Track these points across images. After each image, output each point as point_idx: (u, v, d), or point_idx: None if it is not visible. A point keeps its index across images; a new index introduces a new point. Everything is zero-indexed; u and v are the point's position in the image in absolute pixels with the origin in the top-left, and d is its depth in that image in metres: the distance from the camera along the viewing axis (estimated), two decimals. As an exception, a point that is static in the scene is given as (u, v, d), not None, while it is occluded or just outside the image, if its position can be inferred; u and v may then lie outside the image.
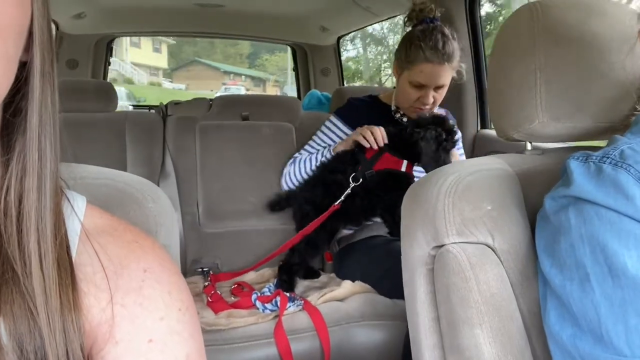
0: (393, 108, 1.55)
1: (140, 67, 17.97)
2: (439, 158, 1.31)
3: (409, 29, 1.43)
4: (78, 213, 0.42)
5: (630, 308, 0.47)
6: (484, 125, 1.93)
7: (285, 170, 1.56)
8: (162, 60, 19.18)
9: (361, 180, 1.34)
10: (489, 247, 0.67)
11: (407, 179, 1.33)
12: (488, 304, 0.63)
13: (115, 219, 0.45)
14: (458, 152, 1.57)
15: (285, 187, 1.57)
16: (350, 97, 1.63)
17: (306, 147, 1.58)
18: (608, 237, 0.50)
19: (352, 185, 1.34)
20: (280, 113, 1.73)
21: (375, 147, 1.33)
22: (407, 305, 0.77)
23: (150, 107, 3.08)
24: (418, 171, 1.41)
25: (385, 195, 1.33)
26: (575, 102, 0.73)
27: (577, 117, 0.74)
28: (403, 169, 1.34)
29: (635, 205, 0.49)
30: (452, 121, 1.45)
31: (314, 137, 1.59)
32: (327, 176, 1.40)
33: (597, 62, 0.72)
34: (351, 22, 2.81)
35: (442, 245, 0.68)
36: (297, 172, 1.52)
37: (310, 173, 1.49)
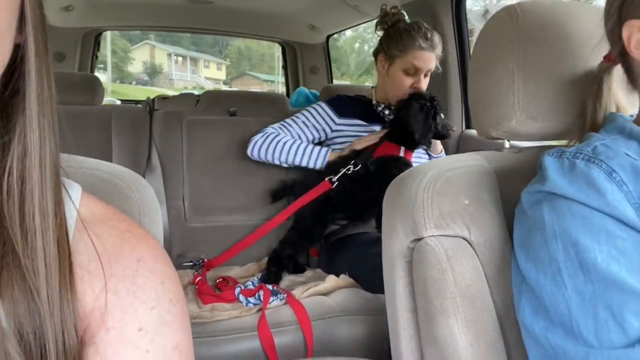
0: (374, 102, 1.61)
1: (209, 79, 28.99)
2: (429, 127, 1.39)
3: (380, 32, 1.56)
4: (74, 200, 0.42)
5: (600, 302, 0.48)
6: (468, 126, 1.96)
7: (260, 141, 1.52)
8: (222, 74, 30.98)
9: (360, 166, 1.39)
10: (465, 240, 0.69)
11: (405, 164, 1.40)
12: (463, 295, 0.65)
13: (110, 207, 0.46)
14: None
15: (255, 157, 1.55)
16: (338, 94, 1.67)
17: (290, 124, 1.56)
18: (580, 233, 0.51)
19: (351, 169, 1.38)
20: (267, 109, 1.74)
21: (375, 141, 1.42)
22: (387, 298, 0.79)
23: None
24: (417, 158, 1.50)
25: (382, 179, 1.37)
26: (551, 101, 0.76)
27: (553, 117, 0.77)
28: (401, 154, 1.41)
29: (607, 201, 0.51)
30: None
31: (300, 117, 1.58)
32: (337, 165, 1.44)
33: (572, 63, 0.75)
34: (340, 21, 2.82)
35: (420, 239, 0.70)
36: (275, 151, 1.50)
37: (288, 162, 1.51)
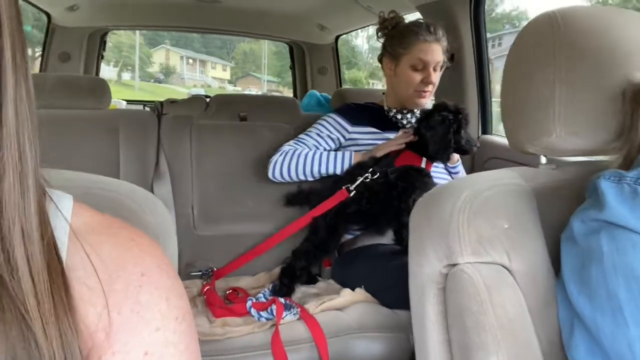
0: (385, 108, 1.56)
1: (216, 79, 33.98)
2: (448, 142, 1.32)
3: (381, 40, 1.54)
4: (64, 212, 0.39)
5: None
6: (485, 131, 1.90)
7: (280, 159, 1.46)
8: (227, 74, 35.44)
9: (379, 174, 1.34)
10: (505, 268, 0.63)
11: (427, 176, 1.35)
12: (504, 330, 0.59)
13: (107, 216, 0.42)
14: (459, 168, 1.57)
15: (278, 178, 1.49)
16: (347, 102, 1.62)
17: (304, 138, 1.52)
18: None
19: (369, 177, 1.34)
20: (279, 114, 1.69)
21: (411, 138, 1.37)
22: (415, 324, 0.74)
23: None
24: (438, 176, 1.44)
25: (402, 190, 1.33)
26: (594, 116, 0.70)
27: (596, 132, 0.71)
28: (423, 165, 1.36)
29: None
30: None
31: (313, 130, 1.54)
32: (355, 172, 1.39)
33: (617, 74, 0.69)
34: (351, 22, 2.77)
35: (455, 265, 0.65)
36: (298, 166, 1.45)
37: (313, 174, 1.45)
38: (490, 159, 1.82)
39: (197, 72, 33.81)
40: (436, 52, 1.43)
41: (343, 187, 1.37)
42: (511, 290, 0.61)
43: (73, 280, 0.36)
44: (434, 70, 1.45)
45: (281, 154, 1.47)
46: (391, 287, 1.23)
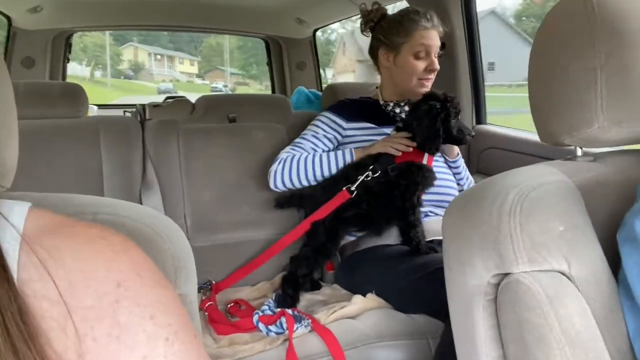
0: (382, 102, 1.51)
1: (184, 73, 34.93)
2: (437, 132, 1.28)
3: (368, 35, 1.50)
4: (14, 219, 0.33)
5: None
6: (479, 121, 1.86)
7: (279, 168, 1.39)
8: (195, 69, 36.20)
9: (380, 173, 1.28)
10: (564, 275, 0.58)
11: (428, 171, 1.31)
12: (573, 344, 0.54)
13: (74, 219, 0.35)
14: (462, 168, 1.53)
15: (280, 188, 1.42)
16: (340, 99, 1.56)
17: (300, 142, 1.45)
18: None
19: (370, 176, 1.28)
20: (269, 113, 1.60)
21: (408, 150, 1.31)
22: (459, 338, 0.68)
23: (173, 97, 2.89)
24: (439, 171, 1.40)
25: (405, 188, 1.28)
26: (639, 103, 0.65)
27: None
28: (424, 161, 1.31)
29: None
30: None
31: (308, 132, 1.48)
32: (350, 172, 1.32)
33: None
34: (331, 14, 2.69)
35: (507, 274, 0.59)
36: (300, 172, 1.38)
37: (317, 177, 1.38)
38: (486, 149, 1.79)
39: (166, 67, 34.88)
40: (436, 38, 1.41)
41: (344, 188, 1.30)
42: (575, 299, 0.56)
43: (29, 297, 0.30)
44: (435, 56, 1.42)
45: (280, 163, 1.40)
46: (405, 291, 1.18)
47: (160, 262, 0.51)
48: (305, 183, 1.39)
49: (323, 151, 1.44)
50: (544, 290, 0.56)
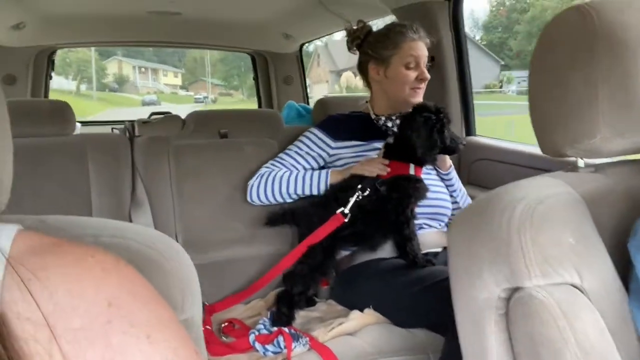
0: (373, 116, 1.50)
1: (168, 85, 36.10)
2: (434, 143, 1.29)
3: (355, 52, 1.52)
4: (1, 241, 0.32)
5: None
6: (469, 132, 1.88)
7: (256, 183, 1.43)
8: (178, 80, 37.23)
9: (369, 190, 1.28)
10: (576, 288, 0.57)
11: (418, 181, 1.30)
12: (589, 357, 0.53)
13: (62, 239, 0.34)
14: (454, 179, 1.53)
15: (256, 202, 1.46)
16: (330, 114, 1.56)
17: (282, 158, 1.47)
18: None
19: (360, 196, 1.27)
20: (260, 128, 1.59)
21: (383, 173, 1.31)
22: (469, 354, 0.67)
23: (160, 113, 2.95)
24: (432, 183, 1.40)
25: (398, 202, 1.27)
26: None
27: None
28: (411, 172, 1.31)
29: None
30: None
31: (292, 148, 1.49)
32: (339, 194, 1.31)
33: None
34: (318, 29, 2.71)
35: (518, 288, 0.59)
36: (274, 188, 1.41)
37: (291, 195, 1.41)
38: (477, 160, 1.80)
39: (150, 79, 36.08)
40: (423, 49, 1.43)
41: (337, 212, 1.29)
42: (589, 312, 0.55)
43: (12, 319, 0.28)
44: (424, 66, 1.44)
45: (257, 177, 1.45)
46: (404, 305, 1.16)
47: (166, 285, 0.48)
48: (279, 199, 1.43)
49: (304, 168, 1.46)
50: (558, 303, 0.55)
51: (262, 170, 1.46)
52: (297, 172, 1.42)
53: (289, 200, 1.44)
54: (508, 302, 0.60)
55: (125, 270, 0.33)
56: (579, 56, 0.67)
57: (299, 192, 1.41)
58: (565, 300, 0.55)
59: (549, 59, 0.73)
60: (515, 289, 0.59)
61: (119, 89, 33.18)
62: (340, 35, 2.74)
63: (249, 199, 1.45)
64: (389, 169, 1.31)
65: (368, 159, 1.39)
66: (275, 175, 1.42)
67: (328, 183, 1.38)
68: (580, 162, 0.75)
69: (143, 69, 35.77)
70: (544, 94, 0.73)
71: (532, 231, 0.58)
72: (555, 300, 0.55)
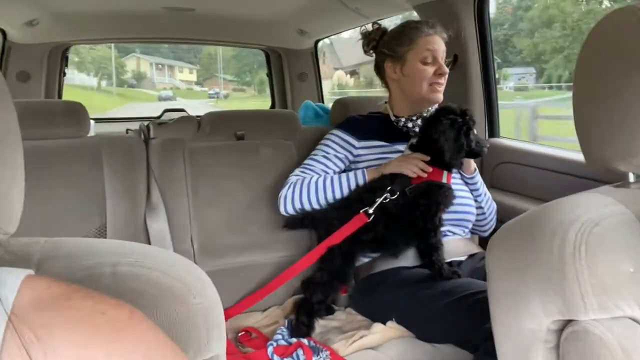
0: (393, 118, 1.45)
1: (184, 81, 37.76)
2: (461, 146, 1.23)
3: (371, 55, 1.48)
4: (4, 291, 0.29)
5: None
6: (492, 134, 1.81)
7: (289, 193, 1.34)
8: (194, 77, 38.66)
9: (398, 194, 1.22)
10: (636, 322, 0.52)
11: (448, 189, 1.25)
12: (655, 403, 0.48)
13: (74, 286, 0.30)
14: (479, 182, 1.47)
15: (291, 212, 1.37)
16: (349, 115, 1.51)
17: (311, 164, 1.40)
18: None
19: (388, 197, 1.22)
20: (277, 129, 1.54)
21: (424, 175, 1.25)
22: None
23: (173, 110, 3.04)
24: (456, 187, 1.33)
25: (426, 208, 1.22)
26: None
27: None
28: (444, 180, 1.26)
29: None
30: None
31: (318, 152, 1.42)
32: (365, 195, 1.26)
33: None
34: (334, 25, 2.65)
35: (571, 321, 0.53)
36: (310, 196, 1.33)
37: (328, 200, 1.33)
38: (500, 163, 1.74)
39: (166, 76, 37.60)
40: (440, 44, 1.38)
41: (361, 212, 1.24)
42: (653, 351, 0.50)
43: None
44: (442, 61, 1.38)
45: (289, 187, 1.35)
46: (430, 319, 1.11)
47: (191, 321, 0.44)
48: (316, 206, 1.34)
49: (334, 172, 1.39)
50: (618, 340, 0.50)
51: (292, 178, 1.37)
52: (331, 176, 1.35)
53: (324, 207, 1.35)
54: (558, 335, 0.55)
55: (140, 328, 0.29)
56: (633, 63, 0.61)
57: (337, 196, 1.33)
58: (626, 337, 0.50)
59: (596, 64, 0.67)
60: (567, 322, 0.54)
61: (137, 85, 34.76)
62: (346, 33, 2.69)
63: (282, 210, 1.36)
64: (430, 169, 1.25)
65: (406, 155, 1.31)
66: (309, 182, 1.34)
67: (366, 179, 1.32)
68: (631, 177, 0.70)
69: (160, 66, 37.06)
70: (592, 104, 0.67)
71: (588, 258, 0.53)
72: (614, 336, 0.50)
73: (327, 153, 1.40)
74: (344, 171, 1.43)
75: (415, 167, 1.25)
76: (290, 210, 1.35)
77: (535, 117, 6.80)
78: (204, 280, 0.48)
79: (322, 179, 1.34)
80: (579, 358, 0.52)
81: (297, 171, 1.38)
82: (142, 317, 0.30)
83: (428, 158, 1.25)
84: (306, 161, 1.41)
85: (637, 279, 0.53)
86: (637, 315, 0.52)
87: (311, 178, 1.35)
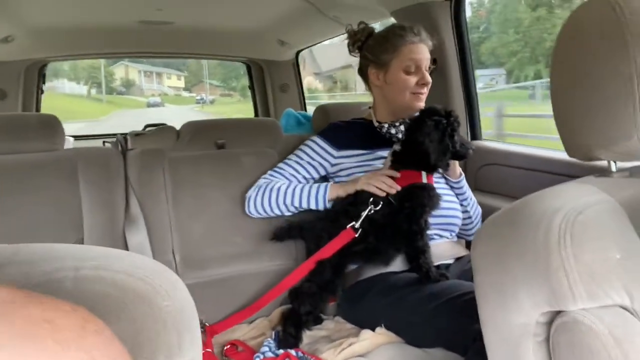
0: (376, 124, 1.43)
1: (172, 87, 39.10)
2: (446, 147, 1.22)
3: (356, 54, 1.46)
4: None
5: None
6: (474, 136, 1.82)
7: (254, 195, 1.36)
8: (182, 83, 39.90)
9: (382, 204, 1.21)
10: (627, 310, 0.50)
11: (432, 190, 1.24)
12: (649, 392, 0.46)
13: (23, 292, 0.27)
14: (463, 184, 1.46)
15: (255, 214, 1.39)
16: (331, 122, 1.50)
17: (282, 167, 1.40)
18: None
19: (372, 209, 1.21)
20: (259, 138, 1.52)
21: (393, 192, 1.23)
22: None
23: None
24: (442, 192, 1.32)
25: (411, 211, 1.20)
26: None
27: None
28: (424, 180, 1.24)
29: None
30: None
31: (292, 157, 1.42)
32: (350, 208, 1.24)
33: None
34: (314, 34, 2.65)
35: (560, 312, 0.52)
36: (271, 200, 1.34)
37: (289, 208, 1.34)
38: (483, 165, 1.73)
39: (154, 83, 39.19)
40: (424, 52, 1.36)
41: (348, 227, 1.22)
42: (644, 338, 0.49)
43: None
44: (426, 70, 1.37)
45: (255, 189, 1.38)
46: (419, 324, 1.09)
47: (161, 324, 0.41)
48: (277, 212, 1.36)
49: (304, 178, 1.40)
50: (609, 330, 0.48)
51: (261, 181, 1.39)
52: (295, 184, 1.35)
53: (287, 213, 1.37)
54: (548, 328, 0.53)
55: (90, 341, 0.26)
56: (609, 51, 0.61)
57: (297, 205, 1.34)
58: (617, 325, 0.49)
59: (573, 54, 0.66)
60: (557, 313, 0.52)
61: (126, 92, 36.34)
62: (326, 41, 2.70)
63: (247, 211, 1.38)
64: (399, 187, 1.23)
65: (373, 172, 1.30)
66: (273, 186, 1.35)
67: (327, 198, 1.31)
68: (613, 166, 0.69)
69: (148, 73, 38.70)
70: (568, 91, 0.67)
71: (574, 246, 0.52)
72: (605, 325, 0.49)
73: (301, 159, 1.40)
74: (325, 178, 1.42)
75: (382, 183, 1.24)
76: (254, 212, 1.38)
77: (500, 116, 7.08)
78: (174, 282, 0.45)
79: (286, 185, 1.35)
80: (569, 349, 0.50)
81: (267, 174, 1.40)
82: (98, 328, 0.27)
83: (397, 174, 1.25)
84: (279, 164, 1.41)
85: (625, 266, 0.52)
86: (627, 303, 0.50)
87: (276, 183, 1.35)
